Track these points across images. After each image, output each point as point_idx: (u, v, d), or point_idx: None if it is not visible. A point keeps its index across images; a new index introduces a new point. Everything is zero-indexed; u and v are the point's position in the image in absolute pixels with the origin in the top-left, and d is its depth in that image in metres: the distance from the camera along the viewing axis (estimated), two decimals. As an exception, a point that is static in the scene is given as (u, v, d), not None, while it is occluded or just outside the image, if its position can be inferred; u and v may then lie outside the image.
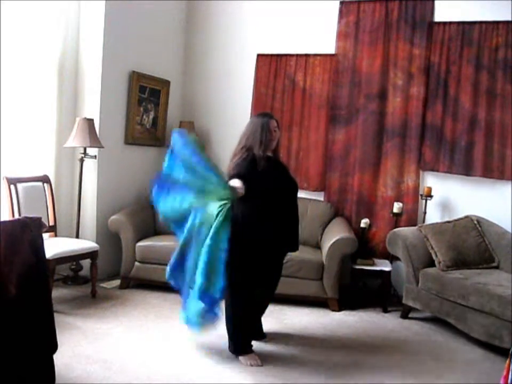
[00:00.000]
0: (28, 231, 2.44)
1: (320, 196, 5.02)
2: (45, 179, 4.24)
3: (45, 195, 4.22)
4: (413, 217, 4.68)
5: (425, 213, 4.58)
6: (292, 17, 5.07)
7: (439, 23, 4.57)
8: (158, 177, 3.21)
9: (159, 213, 3.26)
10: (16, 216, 3.88)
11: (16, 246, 2.37)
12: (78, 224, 4.50)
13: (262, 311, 3.47)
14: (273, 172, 3.13)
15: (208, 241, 2.91)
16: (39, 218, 2.54)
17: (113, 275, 4.71)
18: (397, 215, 4.53)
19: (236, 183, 2.95)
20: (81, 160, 4.46)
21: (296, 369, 3.08)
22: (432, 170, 4.65)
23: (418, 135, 4.64)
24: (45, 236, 3.55)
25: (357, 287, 4.47)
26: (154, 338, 3.45)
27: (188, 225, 3.06)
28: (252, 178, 2.99)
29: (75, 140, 4.29)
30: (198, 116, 5.48)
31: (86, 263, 4.38)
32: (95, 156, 4.47)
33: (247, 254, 3.06)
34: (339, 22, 4.89)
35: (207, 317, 3.00)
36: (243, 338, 3.19)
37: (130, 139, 4.92)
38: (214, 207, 2.95)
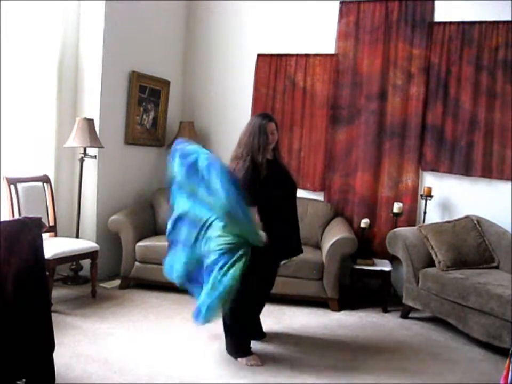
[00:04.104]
0: (28, 231, 2.44)
1: (320, 196, 5.02)
2: (45, 179, 4.24)
3: (45, 195, 4.22)
4: (412, 217, 4.68)
5: (425, 213, 4.58)
6: (292, 17, 5.08)
7: (439, 23, 4.57)
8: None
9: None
10: (16, 216, 3.88)
11: (16, 246, 2.37)
12: (78, 224, 4.50)
13: (260, 311, 3.47)
14: (274, 176, 3.11)
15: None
16: (39, 218, 2.54)
17: (113, 275, 4.71)
18: (397, 215, 4.53)
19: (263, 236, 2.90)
20: (81, 160, 4.46)
21: (296, 369, 3.08)
22: (433, 170, 4.65)
23: (418, 135, 4.64)
24: (45, 236, 3.56)
25: (357, 287, 4.46)
26: (154, 338, 3.45)
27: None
28: (256, 188, 2.98)
29: (75, 140, 4.29)
30: (198, 116, 5.48)
31: (86, 263, 4.38)
32: (95, 156, 4.47)
33: (253, 260, 3.05)
34: (339, 22, 4.89)
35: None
36: (242, 339, 3.19)
37: (130, 139, 4.92)
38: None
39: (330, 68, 4.93)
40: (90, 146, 4.34)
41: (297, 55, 5.02)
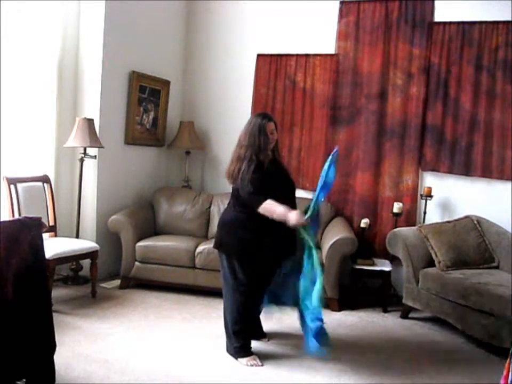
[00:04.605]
0: (28, 231, 2.44)
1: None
2: (45, 179, 4.24)
3: (45, 195, 4.22)
4: (413, 217, 4.68)
5: (425, 213, 4.57)
6: (292, 17, 5.07)
7: (439, 23, 4.57)
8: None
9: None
10: (16, 216, 3.88)
11: (16, 246, 2.37)
12: (78, 224, 4.50)
13: (260, 311, 3.47)
14: (274, 173, 3.12)
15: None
16: (39, 218, 2.54)
17: (113, 275, 4.71)
18: (397, 215, 4.53)
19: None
20: (81, 160, 4.45)
21: (296, 369, 3.08)
22: (433, 170, 4.65)
23: (418, 135, 4.64)
24: (45, 236, 3.55)
25: (357, 287, 4.46)
26: (154, 338, 3.45)
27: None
28: (265, 182, 3.02)
29: (75, 140, 4.29)
30: (198, 116, 5.48)
31: (86, 263, 4.38)
32: (95, 156, 4.47)
33: (252, 256, 3.06)
34: (339, 22, 4.89)
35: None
36: (242, 339, 3.18)
37: (130, 139, 4.92)
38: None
39: (330, 68, 4.93)
40: (90, 146, 4.34)
41: (297, 55, 5.02)
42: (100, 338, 3.37)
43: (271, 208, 2.96)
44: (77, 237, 4.46)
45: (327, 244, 4.21)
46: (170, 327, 3.66)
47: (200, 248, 4.34)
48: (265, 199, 2.96)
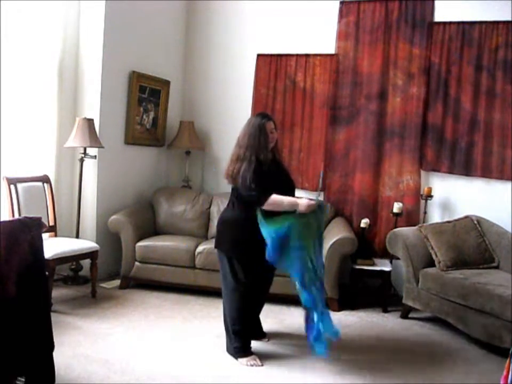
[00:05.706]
0: (28, 231, 2.44)
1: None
2: (45, 179, 4.24)
3: (45, 195, 4.22)
4: (413, 217, 4.68)
5: (425, 213, 4.58)
6: (292, 17, 5.07)
7: (439, 23, 4.57)
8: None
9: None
10: (16, 216, 3.88)
11: (16, 246, 2.37)
12: (78, 224, 4.50)
13: (259, 310, 3.47)
14: (274, 173, 3.13)
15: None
16: (39, 218, 2.54)
17: (113, 275, 4.71)
18: (397, 215, 4.53)
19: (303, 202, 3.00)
20: (81, 160, 4.46)
21: (296, 369, 3.08)
22: (434, 170, 4.65)
23: (418, 135, 4.64)
24: (45, 236, 3.57)
25: (357, 287, 4.46)
26: (154, 338, 3.45)
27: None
28: (267, 180, 3.03)
29: (75, 140, 4.29)
30: (198, 116, 5.48)
31: (86, 263, 4.38)
32: (95, 156, 4.47)
33: (252, 256, 3.06)
34: (339, 22, 4.89)
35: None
36: (242, 339, 3.18)
37: (130, 139, 4.92)
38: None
39: (330, 68, 4.92)
40: (90, 146, 4.34)
41: (297, 55, 5.02)
42: (100, 338, 3.37)
43: (278, 200, 2.99)
44: (77, 237, 4.47)
45: (327, 244, 4.19)
46: (170, 327, 3.66)
47: (200, 248, 4.34)
48: (270, 194, 2.98)
